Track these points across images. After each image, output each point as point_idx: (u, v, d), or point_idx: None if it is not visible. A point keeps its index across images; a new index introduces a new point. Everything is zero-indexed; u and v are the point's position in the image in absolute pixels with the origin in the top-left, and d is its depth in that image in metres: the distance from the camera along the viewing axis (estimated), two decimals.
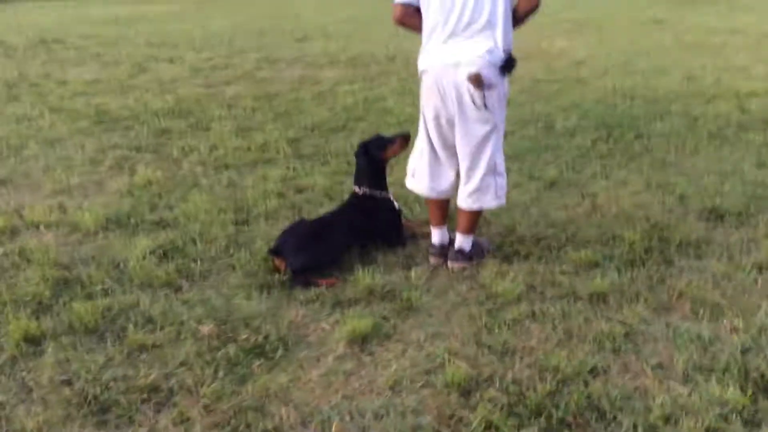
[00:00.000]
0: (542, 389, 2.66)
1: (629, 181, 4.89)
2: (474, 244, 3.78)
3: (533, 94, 7.64)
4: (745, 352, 2.90)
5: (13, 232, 4.21)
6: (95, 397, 2.67)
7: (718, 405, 2.58)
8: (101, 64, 10.05)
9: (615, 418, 2.53)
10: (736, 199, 4.50)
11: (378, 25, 14.86)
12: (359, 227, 3.79)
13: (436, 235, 3.83)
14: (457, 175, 3.73)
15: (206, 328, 3.11)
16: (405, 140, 3.99)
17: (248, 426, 2.52)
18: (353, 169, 5.04)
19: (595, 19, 14.64)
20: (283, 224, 4.19)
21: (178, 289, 3.50)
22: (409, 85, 8.27)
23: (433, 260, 3.77)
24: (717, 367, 2.79)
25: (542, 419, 2.51)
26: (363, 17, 16.66)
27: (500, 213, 4.33)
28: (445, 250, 3.79)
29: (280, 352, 2.96)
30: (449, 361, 2.86)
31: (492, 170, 3.59)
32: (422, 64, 3.54)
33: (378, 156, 3.89)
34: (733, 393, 2.61)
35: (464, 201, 3.68)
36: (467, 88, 3.36)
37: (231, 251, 3.88)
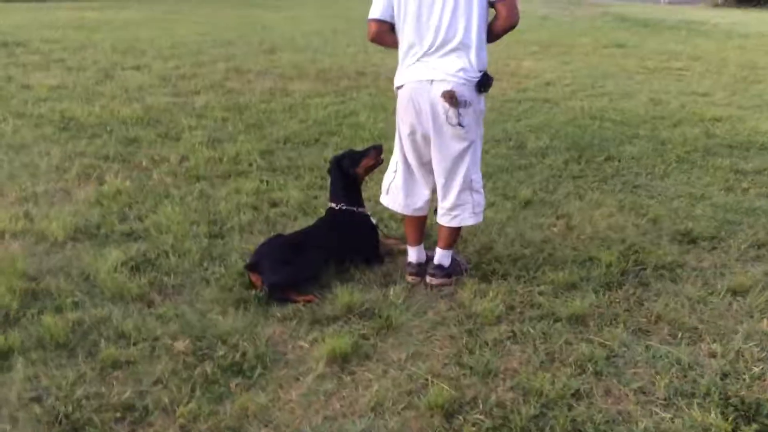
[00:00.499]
0: (526, 412, 2.64)
1: (602, 202, 4.93)
2: (452, 261, 3.76)
3: (503, 114, 7.69)
4: (724, 377, 2.92)
5: None
6: (66, 416, 2.57)
7: (701, 431, 2.58)
8: (66, 70, 9.81)
9: None
10: (708, 223, 4.56)
11: (345, 39, 14.86)
12: (337, 243, 3.74)
13: (413, 254, 3.80)
14: (433, 192, 3.73)
15: (181, 345, 3.03)
16: (378, 152, 3.99)
17: None
18: (327, 183, 5.04)
19: (560, 42, 14.82)
20: (258, 238, 4.13)
21: (150, 303, 3.40)
22: (380, 100, 8.26)
23: (410, 278, 3.73)
24: (698, 392, 2.81)
25: None
26: (329, 31, 16.62)
27: (476, 232, 4.32)
28: (423, 268, 3.76)
29: (258, 370, 2.89)
30: (431, 382, 2.82)
31: (468, 186, 3.60)
32: (398, 80, 3.55)
33: (353, 170, 3.86)
34: (714, 419, 2.62)
35: (442, 218, 3.69)
36: (442, 106, 3.38)
37: (205, 265, 3.80)
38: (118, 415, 2.60)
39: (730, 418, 2.63)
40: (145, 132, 6.52)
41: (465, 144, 3.50)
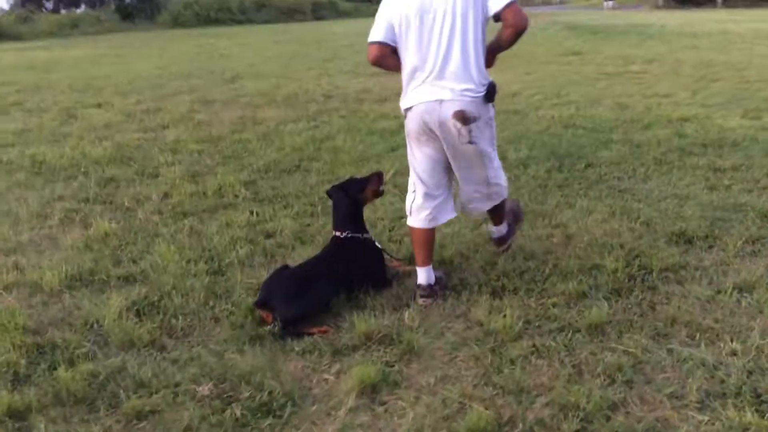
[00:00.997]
0: (568, 429, 2.62)
1: (593, 209, 4.97)
2: (437, 279, 3.77)
3: None
4: (750, 374, 2.94)
5: None
6: None
7: (741, 430, 2.59)
8: (26, 112, 9.63)
9: None
10: (699, 222, 4.62)
11: (305, 63, 14.88)
12: (346, 271, 3.69)
13: (423, 275, 3.76)
14: (450, 200, 3.83)
15: (204, 389, 2.94)
16: (380, 178, 4.03)
17: None
18: (317, 210, 5.02)
19: (518, 52, 15.01)
20: (259, 271, 4.07)
21: (163, 348, 3.31)
22: (353, 122, 8.27)
23: (422, 301, 3.70)
24: (729, 392, 2.82)
25: None
26: (287, 56, 16.66)
27: (477, 248, 4.32)
28: (434, 289, 3.73)
29: (288, 409, 2.82)
30: (467, 405, 2.79)
31: (486, 183, 3.76)
32: (406, 102, 3.58)
33: (359, 197, 3.84)
34: (751, 418, 2.63)
35: (470, 212, 4.02)
36: (453, 124, 3.42)
37: (211, 303, 3.71)
38: None
39: (766, 416, 2.64)
40: (121, 171, 6.41)
41: (479, 154, 3.59)
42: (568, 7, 52.34)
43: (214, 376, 3.03)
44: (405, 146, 6.55)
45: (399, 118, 8.16)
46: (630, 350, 3.14)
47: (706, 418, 2.68)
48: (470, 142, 3.47)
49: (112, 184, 6.03)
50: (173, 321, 3.53)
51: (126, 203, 5.45)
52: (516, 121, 8.09)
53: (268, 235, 4.66)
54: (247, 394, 2.90)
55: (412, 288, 3.82)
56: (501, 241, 4.16)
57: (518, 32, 3.42)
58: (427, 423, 2.70)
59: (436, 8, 3.37)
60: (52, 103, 10.37)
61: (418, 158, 3.67)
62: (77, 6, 35.88)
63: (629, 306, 3.56)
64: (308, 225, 4.82)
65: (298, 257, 4.24)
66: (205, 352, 3.24)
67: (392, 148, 6.95)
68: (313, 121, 8.45)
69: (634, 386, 2.89)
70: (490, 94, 3.49)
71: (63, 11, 33.98)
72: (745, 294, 3.64)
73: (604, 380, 2.93)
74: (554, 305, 3.58)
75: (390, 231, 4.64)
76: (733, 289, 3.68)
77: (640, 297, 3.64)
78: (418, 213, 3.75)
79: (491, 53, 3.58)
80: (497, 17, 3.39)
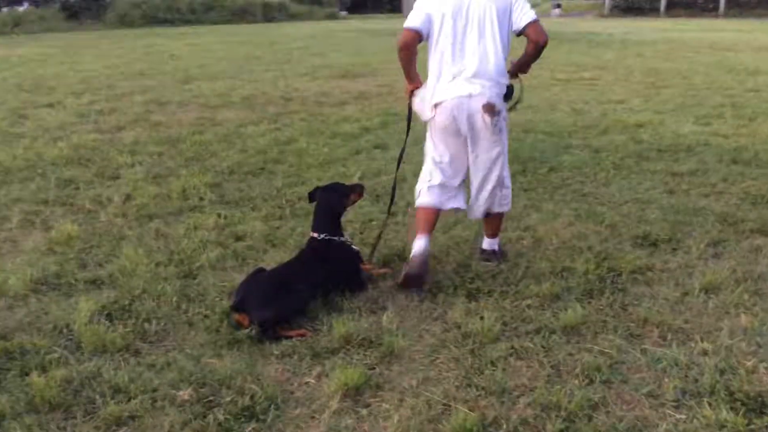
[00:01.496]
0: (552, 428, 2.66)
1: (559, 212, 5.05)
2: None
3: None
4: (722, 373, 3.02)
5: None
6: None
7: (718, 428, 2.67)
8: None
9: None
10: (662, 225, 4.74)
11: (260, 65, 14.75)
12: (322, 274, 3.68)
13: (421, 243, 3.90)
14: (461, 192, 4.11)
15: (184, 393, 2.89)
16: (363, 190, 4.13)
17: None
18: (286, 213, 4.99)
19: None
20: (232, 275, 4.02)
21: (137, 353, 3.24)
22: (316, 125, 8.24)
23: (409, 269, 3.79)
24: (703, 390, 2.90)
25: None
26: (240, 57, 16.48)
27: (449, 251, 4.35)
28: (424, 259, 3.86)
29: (271, 413, 2.79)
30: (451, 407, 2.80)
31: (500, 184, 4.02)
32: (436, 98, 3.84)
33: (342, 203, 3.85)
34: (726, 415, 2.71)
35: (475, 212, 4.13)
36: (482, 116, 3.76)
37: (184, 307, 3.65)
38: None
39: (741, 413, 2.72)
40: (79, 172, 6.25)
41: (499, 148, 3.91)
42: None
43: (193, 381, 2.98)
44: (367, 150, 6.60)
45: (360, 122, 8.25)
46: (606, 351, 3.21)
47: (683, 417, 2.75)
48: (500, 130, 3.84)
49: (71, 185, 5.88)
50: (146, 325, 3.46)
51: (87, 205, 5.32)
52: None
53: (238, 238, 4.61)
54: (228, 399, 2.86)
55: (387, 291, 3.82)
56: (490, 255, 4.21)
57: (539, 47, 3.80)
58: (413, 425, 2.71)
59: (471, 13, 3.73)
60: (0, 102, 10.05)
61: (440, 150, 3.96)
62: (19, 4, 34.82)
63: (601, 307, 3.63)
64: (278, 228, 4.78)
65: (270, 260, 4.21)
66: (182, 356, 3.19)
67: (356, 151, 6.94)
68: (274, 124, 8.37)
69: (613, 386, 2.95)
70: (510, 94, 3.89)
71: (4, 9, 32.93)
72: (711, 295, 3.74)
73: (583, 380, 2.99)
74: (529, 307, 3.63)
75: (361, 234, 4.64)
76: (700, 290, 3.78)
77: (612, 298, 3.72)
78: (431, 194, 4.03)
79: (524, 65, 3.99)
80: (520, 32, 3.79)
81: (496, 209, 4.11)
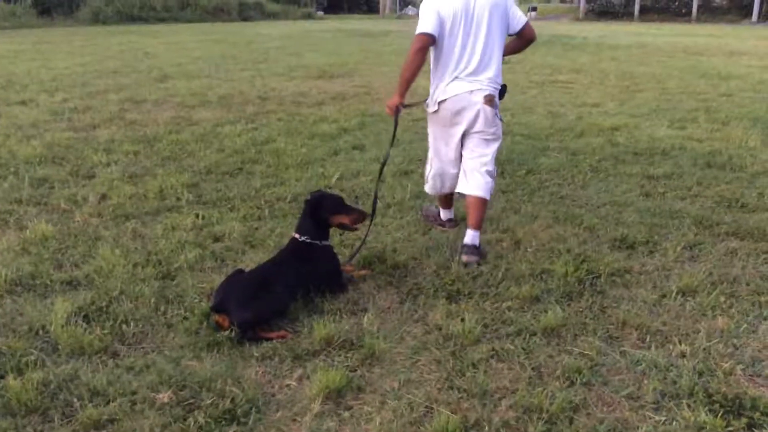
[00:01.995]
0: (534, 431, 2.67)
1: (537, 214, 5.08)
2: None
3: (419, 133, 7.77)
4: (700, 375, 3.06)
5: None
6: None
7: (697, 430, 2.70)
8: None
9: None
10: (638, 228, 4.79)
11: (237, 64, 14.67)
12: (303, 275, 3.65)
13: (446, 213, 4.84)
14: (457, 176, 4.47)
15: (164, 396, 2.86)
16: (361, 219, 3.97)
17: None
18: (264, 214, 4.97)
19: None
20: (211, 276, 3.99)
21: (115, 355, 3.20)
22: (293, 125, 8.20)
23: (448, 225, 4.72)
24: (682, 392, 2.93)
25: None
26: (216, 56, 16.39)
27: (429, 252, 4.35)
28: (453, 222, 4.78)
29: (252, 415, 2.77)
30: (433, 409, 2.80)
31: (487, 173, 4.34)
32: (441, 95, 4.20)
33: (328, 217, 3.82)
34: (705, 417, 2.74)
35: (461, 187, 4.40)
36: (482, 108, 4.16)
37: (162, 309, 3.61)
38: None
39: (719, 415, 2.76)
40: (53, 171, 6.16)
41: (493, 139, 4.33)
42: None
43: (172, 383, 2.95)
44: (346, 151, 6.59)
45: (338, 122, 8.23)
46: (586, 353, 3.23)
47: (663, 418, 2.77)
48: (500, 120, 4.33)
49: (46, 184, 5.79)
50: (124, 327, 3.41)
51: (62, 205, 5.24)
52: None
53: (216, 239, 4.57)
54: (209, 401, 2.83)
55: (368, 292, 3.82)
56: (472, 251, 4.24)
57: (531, 43, 4.38)
58: (395, 427, 2.70)
59: (476, 16, 4.03)
60: None
61: (444, 140, 4.38)
62: None
63: (581, 309, 3.65)
64: (257, 228, 4.75)
65: (249, 261, 4.18)
66: (161, 358, 3.15)
67: (334, 151, 6.92)
68: (251, 123, 8.32)
69: (593, 388, 2.97)
70: (503, 91, 4.29)
71: None
72: (688, 298, 3.79)
73: (564, 382, 3.00)
74: (509, 309, 3.64)
75: (341, 235, 4.62)
76: (677, 293, 3.82)
77: (591, 301, 3.74)
78: (433, 182, 4.58)
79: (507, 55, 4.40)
80: (517, 33, 4.24)
81: (480, 191, 4.32)
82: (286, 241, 4.30)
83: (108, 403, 2.81)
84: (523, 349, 3.26)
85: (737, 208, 5.22)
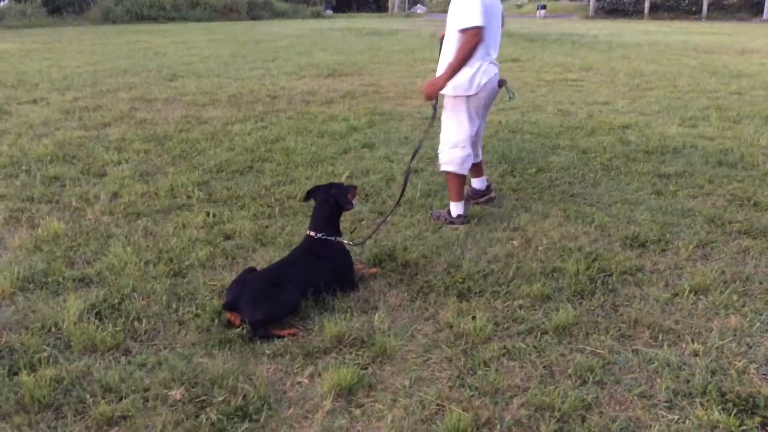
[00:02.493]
0: (546, 429, 2.66)
1: (548, 213, 5.07)
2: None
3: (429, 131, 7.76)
4: (713, 374, 3.04)
5: None
6: None
7: (710, 429, 2.68)
8: None
9: None
10: (650, 226, 4.77)
11: (246, 63, 14.69)
12: (316, 273, 3.66)
13: (481, 182, 5.30)
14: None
15: (176, 393, 2.87)
16: (355, 191, 4.09)
17: None
18: (274, 212, 4.97)
19: None
20: (221, 274, 3.99)
21: (127, 352, 3.21)
22: (303, 123, 8.21)
23: (464, 218, 4.89)
24: (695, 391, 2.91)
25: None
26: (226, 55, 16.42)
27: (440, 250, 4.34)
28: (485, 191, 5.29)
29: (264, 412, 2.78)
30: (445, 407, 2.80)
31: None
32: (484, 78, 4.58)
33: (343, 203, 3.85)
34: (719, 416, 2.73)
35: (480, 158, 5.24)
36: (497, 89, 4.79)
37: (174, 306, 3.62)
38: None
39: (733, 414, 2.74)
40: (65, 169, 6.19)
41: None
42: None
43: (184, 381, 2.96)
44: (355, 149, 6.59)
45: (348, 121, 8.23)
46: (598, 351, 3.21)
47: (676, 417, 2.76)
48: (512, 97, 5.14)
49: (57, 182, 5.82)
50: (136, 324, 3.42)
51: (74, 203, 5.27)
52: None
53: (227, 237, 4.58)
54: (220, 398, 2.84)
55: (379, 291, 3.82)
56: (477, 193, 5.27)
57: None
58: (406, 425, 2.70)
59: (496, 10, 4.54)
60: None
61: (476, 122, 4.80)
62: None
63: (593, 308, 3.64)
64: (267, 227, 4.76)
65: (259, 259, 4.19)
66: (173, 355, 3.16)
67: (344, 150, 6.92)
68: (261, 122, 8.34)
69: (605, 387, 2.96)
70: None
71: None
72: (701, 296, 3.77)
73: (576, 381, 2.99)
74: (521, 307, 3.63)
75: (351, 233, 4.62)
76: (690, 291, 3.80)
77: (602, 299, 3.73)
78: (464, 164, 4.81)
79: None
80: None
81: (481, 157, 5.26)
82: (296, 239, 4.34)
83: (120, 399, 2.83)
84: (535, 347, 3.25)
85: (749, 207, 5.19)
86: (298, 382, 3.00)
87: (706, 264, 4.19)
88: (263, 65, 14.28)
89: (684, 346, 3.28)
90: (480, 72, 4.54)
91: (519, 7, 58.00)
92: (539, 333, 3.38)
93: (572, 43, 20.05)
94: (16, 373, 2.97)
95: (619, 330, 3.42)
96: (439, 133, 4.89)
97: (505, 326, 3.45)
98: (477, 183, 5.29)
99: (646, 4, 38.92)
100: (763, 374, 3.04)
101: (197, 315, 3.51)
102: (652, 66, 14.33)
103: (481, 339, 3.30)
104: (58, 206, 5.23)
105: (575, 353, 3.20)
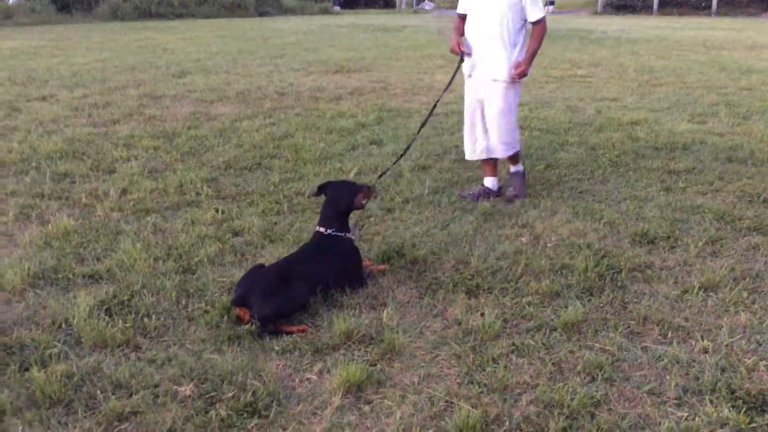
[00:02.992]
0: (555, 426, 2.66)
1: (557, 209, 5.06)
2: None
3: (436, 128, 7.78)
4: (722, 371, 3.03)
5: None
6: None
7: (719, 426, 2.68)
8: None
9: None
10: (659, 223, 4.75)
11: (254, 60, 14.69)
12: (325, 270, 3.66)
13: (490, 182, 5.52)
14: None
15: (186, 389, 2.88)
16: (369, 193, 4.08)
17: None
18: (283, 208, 4.98)
19: None
20: (231, 270, 4.01)
21: (137, 348, 3.22)
22: (311, 119, 8.21)
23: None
24: (704, 388, 2.91)
25: None
26: (234, 51, 16.42)
27: (448, 247, 4.34)
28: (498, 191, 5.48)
29: (273, 408, 2.79)
30: (453, 404, 2.80)
31: None
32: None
33: (352, 200, 3.87)
34: (728, 413, 2.72)
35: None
36: None
37: (183, 302, 3.64)
38: None
39: (743, 411, 2.74)
40: (74, 166, 6.21)
41: None
42: None
43: (194, 377, 2.97)
44: (363, 146, 6.59)
45: (356, 117, 8.23)
46: (607, 348, 3.21)
47: (686, 414, 2.76)
48: None
49: (67, 179, 5.84)
50: (146, 320, 3.44)
51: (83, 199, 5.29)
52: None
53: (236, 233, 4.59)
54: (230, 395, 2.85)
55: (387, 287, 3.82)
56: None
57: None
58: (415, 422, 2.71)
59: None
60: None
61: None
62: None
63: (601, 305, 3.63)
64: (276, 223, 4.77)
65: (268, 255, 4.19)
66: (183, 351, 3.18)
67: (352, 146, 6.93)
68: (269, 118, 8.34)
69: (614, 384, 2.96)
70: None
71: None
72: (710, 293, 3.75)
73: (585, 378, 2.99)
74: (529, 304, 3.63)
75: (359, 230, 4.62)
76: (699, 288, 3.79)
77: (612, 296, 3.72)
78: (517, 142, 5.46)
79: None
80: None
81: None
82: (305, 235, 4.35)
83: (131, 395, 2.84)
84: (544, 344, 3.25)
85: (759, 203, 5.17)
86: (307, 379, 3.01)
87: (715, 261, 4.17)
88: (271, 62, 14.29)
89: (693, 343, 3.27)
90: (515, 64, 5.05)
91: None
92: (548, 330, 3.38)
93: (580, 38, 19.96)
94: (27, 369, 2.99)
95: (629, 327, 3.42)
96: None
97: (514, 323, 3.45)
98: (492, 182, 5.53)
99: (655, 0, 38.73)
100: None
101: (206, 311, 3.53)
102: (661, 62, 14.26)
103: (489, 336, 3.30)
104: (67, 203, 5.25)
105: (584, 350, 3.20)
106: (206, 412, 2.75)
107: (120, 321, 3.41)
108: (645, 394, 2.88)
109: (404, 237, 4.49)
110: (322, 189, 3.97)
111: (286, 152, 6.65)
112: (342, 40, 20.48)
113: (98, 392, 2.85)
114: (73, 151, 6.71)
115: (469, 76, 5.19)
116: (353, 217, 4.10)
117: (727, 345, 3.24)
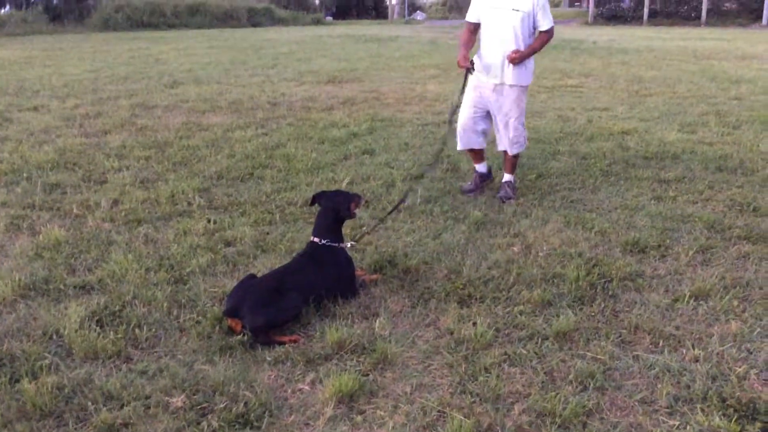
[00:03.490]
0: None
1: (548, 218, 5.07)
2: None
3: (428, 138, 7.80)
4: (713, 380, 3.05)
5: None
6: None
7: None
8: None
9: None
10: (650, 232, 4.77)
11: (246, 70, 14.72)
12: (318, 280, 3.66)
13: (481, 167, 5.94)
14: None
15: (177, 400, 2.87)
16: (360, 202, 4.13)
17: None
18: (275, 218, 4.97)
19: (455, 65, 15.21)
20: (223, 280, 4.00)
21: (128, 359, 3.21)
22: (303, 129, 8.22)
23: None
24: (696, 397, 2.92)
25: None
26: (226, 62, 16.45)
27: (440, 257, 4.35)
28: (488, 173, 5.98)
29: (265, 419, 2.78)
30: (446, 414, 2.80)
31: None
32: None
33: (347, 210, 3.87)
34: (719, 422, 2.73)
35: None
36: None
37: (175, 313, 3.63)
38: None
39: (734, 419, 2.75)
40: (65, 176, 6.20)
41: None
42: None
43: (186, 388, 2.96)
44: (356, 156, 6.60)
45: (348, 127, 8.24)
46: (598, 357, 3.22)
47: (677, 423, 2.77)
48: None
49: (58, 190, 5.83)
50: (137, 331, 3.43)
51: (74, 210, 5.27)
52: None
53: (228, 244, 4.59)
54: (222, 405, 2.84)
55: (380, 297, 3.82)
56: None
57: None
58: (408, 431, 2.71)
59: None
60: None
61: None
62: (2, 6, 34.62)
63: (593, 314, 3.64)
64: (268, 233, 4.76)
65: (260, 265, 4.19)
66: (174, 362, 3.17)
67: (344, 156, 6.94)
68: (262, 128, 8.35)
69: (606, 392, 2.96)
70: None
71: None
72: (701, 302, 3.77)
73: (577, 387, 2.99)
74: (521, 313, 3.63)
75: (353, 240, 4.62)
76: (690, 297, 3.80)
77: (603, 305, 3.73)
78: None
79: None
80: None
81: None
82: (297, 245, 4.35)
83: (122, 407, 2.83)
84: (536, 353, 3.26)
85: (749, 212, 5.20)
86: (300, 389, 3.00)
87: (706, 269, 4.19)
88: (263, 72, 14.31)
89: (684, 351, 3.28)
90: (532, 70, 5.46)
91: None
92: (540, 339, 3.38)
93: (572, 49, 20.07)
94: (17, 381, 2.98)
95: (620, 336, 3.43)
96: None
97: (506, 332, 3.46)
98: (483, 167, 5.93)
99: (645, 11, 38.98)
100: (764, 379, 3.04)
101: (198, 322, 3.52)
102: (652, 72, 14.35)
103: (481, 345, 3.31)
104: (59, 213, 5.23)
105: (576, 359, 3.20)
106: (198, 424, 2.74)
107: (111, 332, 3.39)
108: (637, 403, 2.89)
109: (396, 246, 4.50)
110: (316, 199, 3.98)
111: (278, 162, 6.66)
112: (334, 50, 20.54)
113: (89, 404, 2.84)
114: (64, 162, 6.69)
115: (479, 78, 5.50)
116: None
117: (718, 353, 3.25)
